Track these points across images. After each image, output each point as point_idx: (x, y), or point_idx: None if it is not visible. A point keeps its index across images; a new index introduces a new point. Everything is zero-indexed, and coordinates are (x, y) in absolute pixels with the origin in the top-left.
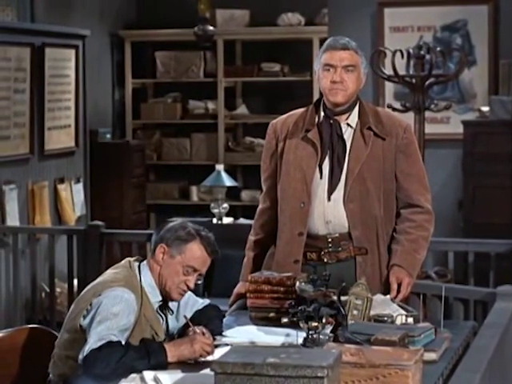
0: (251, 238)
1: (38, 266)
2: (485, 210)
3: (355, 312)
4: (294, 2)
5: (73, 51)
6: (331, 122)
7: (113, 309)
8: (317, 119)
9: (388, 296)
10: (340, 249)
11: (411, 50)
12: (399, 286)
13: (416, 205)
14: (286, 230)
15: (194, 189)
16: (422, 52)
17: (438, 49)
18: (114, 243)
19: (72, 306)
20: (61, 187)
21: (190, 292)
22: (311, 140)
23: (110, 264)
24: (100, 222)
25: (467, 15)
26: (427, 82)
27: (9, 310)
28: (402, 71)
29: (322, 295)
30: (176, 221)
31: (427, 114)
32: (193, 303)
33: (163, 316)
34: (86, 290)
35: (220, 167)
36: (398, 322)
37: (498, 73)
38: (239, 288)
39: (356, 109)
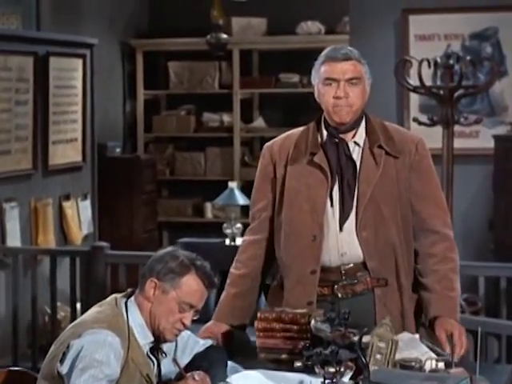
0: (234, 271)
1: (42, 288)
2: None
3: (378, 356)
4: (313, 9)
5: (80, 61)
6: (336, 141)
7: (96, 355)
8: (319, 139)
9: (416, 335)
10: (356, 281)
11: (439, 60)
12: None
13: (432, 231)
14: (295, 267)
15: (208, 205)
16: (451, 61)
17: (468, 58)
18: (119, 266)
19: (51, 348)
20: (66, 204)
21: (189, 332)
22: (318, 165)
23: (114, 288)
24: (105, 243)
25: (498, 22)
26: (456, 94)
27: (9, 334)
28: (428, 82)
29: (341, 336)
30: (166, 249)
31: (455, 128)
32: (193, 345)
33: (154, 360)
34: (66, 329)
35: (233, 184)
36: (428, 367)
37: None
38: (211, 327)
39: (362, 124)
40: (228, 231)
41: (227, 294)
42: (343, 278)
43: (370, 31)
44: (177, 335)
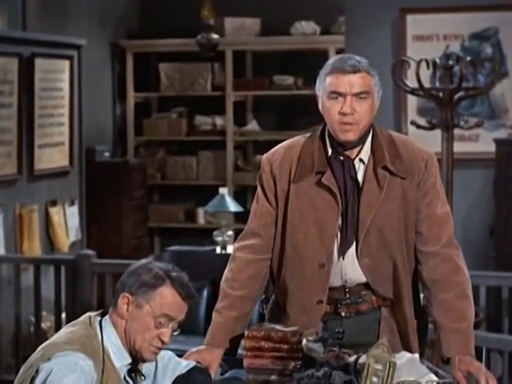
0: (232, 292)
1: (27, 297)
2: None
3: (375, 379)
4: (308, 9)
5: (67, 62)
6: (342, 158)
7: (65, 380)
8: (325, 155)
9: (416, 355)
10: (360, 299)
11: (438, 60)
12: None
13: (432, 253)
14: (300, 296)
15: (200, 211)
16: (451, 62)
17: (469, 59)
18: (105, 275)
19: (20, 370)
20: (53, 211)
21: (170, 352)
22: (327, 186)
23: (101, 298)
24: (91, 251)
25: (498, 22)
26: (456, 96)
27: None
28: (426, 84)
29: (335, 357)
30: (140, 262)
31: (454, 131)
32: (174, 366)
33: (132, 383)
34: (35, 351)
35: (224, 190)
36: None
37: None
38: (204, 353)
39: (369, 140)
40: (219, 239)
41: (226, 318)
42: (347, 296)
43: (367, 31)
44: (155, 354)
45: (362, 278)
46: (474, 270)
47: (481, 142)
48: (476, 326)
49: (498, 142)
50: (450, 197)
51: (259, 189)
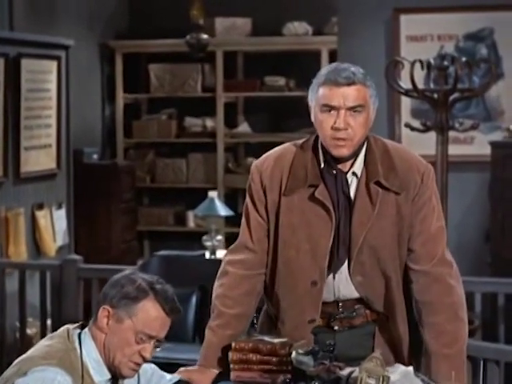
0: (226, 310)
1: (13, 302)
2: None
3: None
4: (300, 9)
5: (54, 63)
6: (334, 172)
7: None
8: (317, 167)
9: (410, 368)
10: (354, 313)
11: (432, 61)
12: None
13: (423, 272)
14: (292, 313)
15: (190, 214)
16: (446, 63)
17: (464, 59)
18: (92, 280)
19: None
20: (39, 214)
21: (153, 365)
22: (320, 201)
23: (87, 303)
24: (77, 256)
25: (493, 23)
26: (451, 98)
27: None
28: (420, 85)
29: (326, 370)
30: (123, 272)
31: (449, 133)
32: (157, 380)
33: None
34: (11, 365)
35: (213, 194)
36: None
37: None
38: (197, 375)
39: (362, 152)
40: (208, 243)
41: (221, 337)
42: (340, 310)
43: (360, 32)
44: (135, 370)
45: (356, 294)
46: (468, 276)
47: (476, 144)
48: (471, 333)
49: (493, 144)
50: (444, 200)
51: (248, 199)
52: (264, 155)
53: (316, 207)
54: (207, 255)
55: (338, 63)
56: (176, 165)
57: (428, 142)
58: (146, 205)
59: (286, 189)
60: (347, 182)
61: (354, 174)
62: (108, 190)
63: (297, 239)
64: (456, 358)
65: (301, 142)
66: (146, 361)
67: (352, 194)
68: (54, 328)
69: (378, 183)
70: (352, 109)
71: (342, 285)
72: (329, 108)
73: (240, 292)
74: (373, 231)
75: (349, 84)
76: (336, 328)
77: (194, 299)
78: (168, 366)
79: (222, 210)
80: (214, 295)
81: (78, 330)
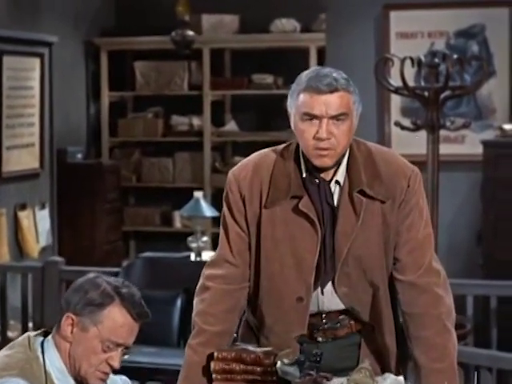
0: (208, 328)
1: None
2: (508, 244)
3: None
4: (288, 6)
5: (37, 60)
6: (317, 181)
7: None
8: (300, 176)
9: (401, 377)
10: (338, 324)
11: (423, 58)
12: None
13: (409, 283)
14: (277, 330)
15: (176, 214)
16: (437, 60)
17: (455, 56)
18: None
19: None
20: (22, 214)
21: (124, 377)
22: (305, 213)
23: None
24: (59, 258)
25: (485, 19)
26: (442, 96)
27: None
28: (411, 83)
29: (312, 381)
30: (86, 276)
31: (439, 132)
32: None
33: None
34: None
35: (199, 194)
36: None
37: None
38: None
39: (345, 158)
40: (193, 245)
41: (202, 356)
42: (324, 321)
43: (349, 29)
44: (103, 380)
45: (341, 306)
46: (460, 279)
47: (467, 143)
48: (463, 337)
49: (485, 143)
50: (435, 201)
51: (226, 210)
52: (241, 163)
53: (300, 219)
54: (193, 257)
55: (319, 68)
56: (162, 164)
57: (418, 141)
58: (132, 205)
59: (267, 201)
60: (330, 190)
61: (337, 182)
62: (92, 189)
63: (280, 253)
64: (448, 371)
65: (280, 148)
66: (113, 370)
67: (335, 203)
68: (36, 330)
69: (362, 192)
70: (335, 117)
71: (327, 297)
72: (310, 117)
73: (222, 308)
74: (357, 242)
75: (331, 91)
76: (319, 339)
77: (178, 302)
78: (152, 372)
79: (208, 211)
80: (194, 311)
81: (41, 338)
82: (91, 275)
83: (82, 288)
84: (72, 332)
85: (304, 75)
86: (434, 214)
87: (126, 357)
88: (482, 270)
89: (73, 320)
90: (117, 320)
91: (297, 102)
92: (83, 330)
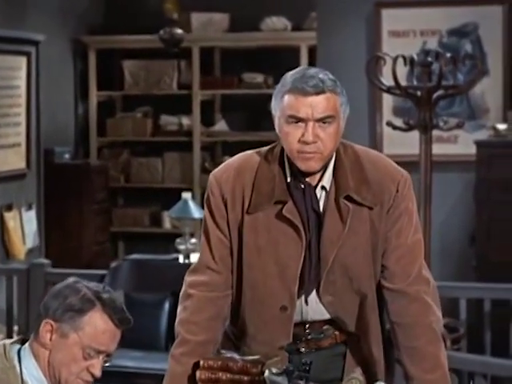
0: (190, 337)
1: None
2: (502, 245)
3: None
4: (279, 4)
5: (23, 58)
6: (303, 186)
7: None
8: (284, 180)
9: None
10: (322, 335)
11: (415, 57)
12: None
13: (398, 291)
14: (261, 339)
15: (165, 215)
16: (429, 59)
17: (449, 55)
18: None
19: None
20: (8, 215)
21: None
22: (289, 220)
23: None
24: (45, 260)
25: (478, 18)
26: (435, 95)
27: None
28: (403, 82)
29: None
30: (66, 281)
31: (432, 132)
32: None
33: None
34: None
35: (187, 195)
36: None
37: None
38: None
39: (332, 162)
40: (182, 247)
41: (185, 366)
42: (307, 331)
43: (340, 27)
44: None
45: (325, 316)
46: (453, 281)
47: (460, 143)
48: (456, 341)
49: (478, 143)
50: (428, 202)
51: (207, 214)
52: (223, 164)
53: (284, 226)
54: (181, 259)
55: (305, 68)
56: (151, 164)
57: (411, 142)
58: (121, 205)
59: (249, 206)
60: (316, 196)
61: (323, 187)
62: (80, 190)
63: (263, 261)
64: (440, 381)
65: (265, 150)
66: (95, 378)
67: (321, 209)
68: (21, 334)
69: (349, 197)
70: (321, 120)
71: (311, 306)
72: (295, 119)
73: (205, 316)
74: (344, 249)
75: (317, 93)
76: (302, 350)
77: (166, 305)
78: (139, 376)
79: (197, 212)
80: (177, 320)
81: (18, 346)
82: (71, 280)
83: (62, 293)
84: (51, 339)
85: (289, 76)
86: (426, 215)
87: (107, 364)
88: (475, 271)
89: (52, 326)
90: (98, 326)
91: (281, 103)
92: (63, 336)
